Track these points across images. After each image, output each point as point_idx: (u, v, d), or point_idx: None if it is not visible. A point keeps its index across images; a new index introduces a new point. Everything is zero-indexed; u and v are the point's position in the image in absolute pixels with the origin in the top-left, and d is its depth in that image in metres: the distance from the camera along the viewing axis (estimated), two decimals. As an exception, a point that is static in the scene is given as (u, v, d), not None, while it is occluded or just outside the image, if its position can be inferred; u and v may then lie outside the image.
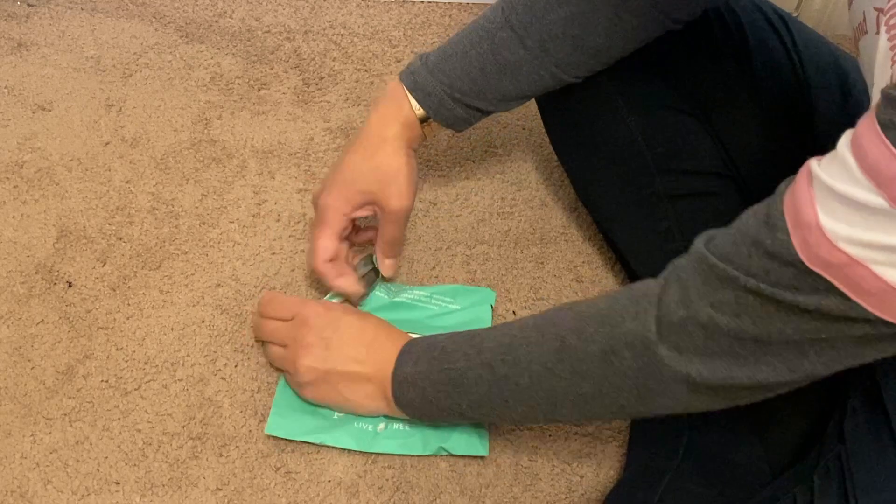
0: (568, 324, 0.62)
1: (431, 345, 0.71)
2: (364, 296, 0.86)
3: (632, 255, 0.87)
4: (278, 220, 0.97)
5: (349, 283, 0.84)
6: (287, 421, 0.79)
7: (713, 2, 0.78)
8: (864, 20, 0.52)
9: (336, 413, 0.79)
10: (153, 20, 1.22)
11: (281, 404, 0.80)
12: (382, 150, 0.80)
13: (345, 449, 0.78)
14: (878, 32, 0.50)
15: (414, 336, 0.76)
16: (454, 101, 0.80)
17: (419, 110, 0.80)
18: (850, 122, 0.78)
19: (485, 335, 0.68)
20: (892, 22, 0.49)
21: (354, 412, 0.77)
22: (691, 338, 0.55)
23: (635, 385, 0.59)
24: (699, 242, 0.56)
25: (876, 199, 0.44)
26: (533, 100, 0.88)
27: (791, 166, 0.81)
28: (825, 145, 0.78)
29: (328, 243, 0.83)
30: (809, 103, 0.79)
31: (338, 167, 0.82)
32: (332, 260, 0.83)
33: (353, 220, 0.85)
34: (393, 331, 0.77)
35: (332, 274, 0.83)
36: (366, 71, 1.16)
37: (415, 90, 0.80)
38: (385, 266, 0.87)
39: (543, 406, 0.64)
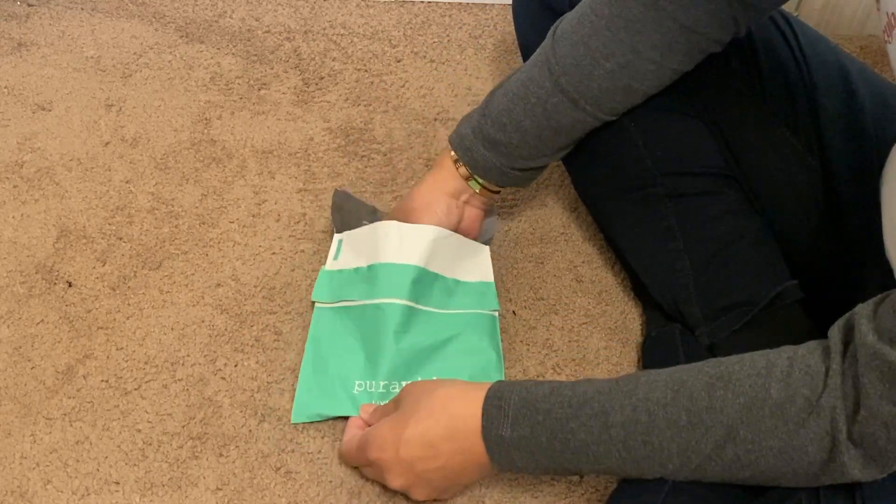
0: (732, 411, 0.56)
1: (528, 404, 0.63)
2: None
3: (632, 255, 0.87)
4: (278, 220, 0.97)
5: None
6: (311, 405, 0.80)
7: (748, 24, 0.77)
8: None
9: (355, 388, 0.80)
10: (153, 20, 1.22)
11: (305, 389, 0.81)
12: (420, 186, 0.86)
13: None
14: None
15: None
16: (513, 170, 0.83)
17: (465, 174, 0.84)
18: (854, 124, 0.78)
19: (602, 399, 0.61)
20: None
21: (463, 487, 0.75)
22: (874, 439, 0.52)
23: (806, 475, 0.56)
24: (867, 330, 0.52)
25: None
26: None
27: (794, 167, 0.81)
28: (828, 146, 0.78)
29: None
30: (814, 103, 0.79)
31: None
32: None
33: None
34: (450, 391, 0.68)
35: None
36: (366, 71, 1.16)
37: (475, 167, 0.83)
38: None
39: (689, 477, 0.60)
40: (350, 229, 0.89)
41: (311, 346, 0.84)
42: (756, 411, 0.56)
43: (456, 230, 0.87)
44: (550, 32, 0.78)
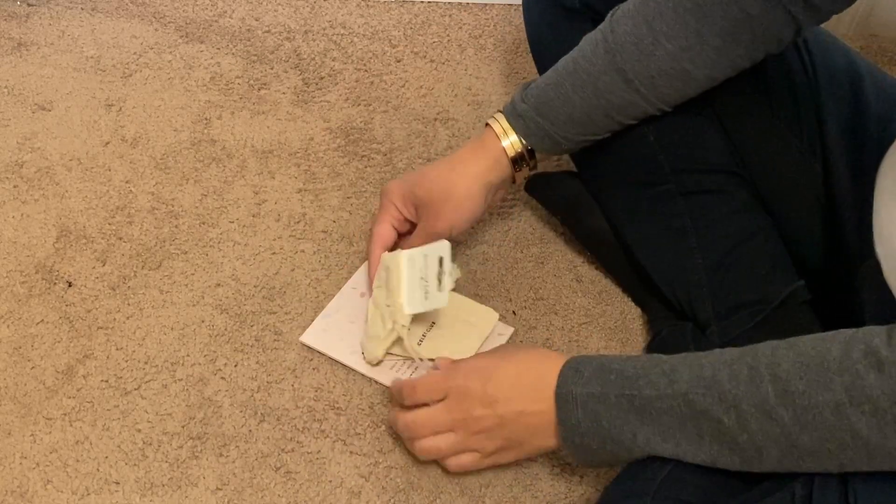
0: (790, 365, 0.57)
1: (603, 366, 0.66)
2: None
3: (643, 252, 0.86)
4: (278, 220, 0.97)
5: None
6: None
7: (809, 29, 0.77)
8: None
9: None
10: (153, 20, 1.22)
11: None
12: (461, 171, 0.81)
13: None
14: None
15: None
16: (561, 137, 0.81)
17: (517, 147, 0.81)
18: (857, 125, 0.78)
19: (673, 362, 0.63)
20: None
21: (527, 456, 0.75)
22: None
23: (866, 444, 0.55)
24: None
25: None
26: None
27: (796, 168, 0.81)
28: (830, 148, 0.79)
29: (383, 230, 0.84)
30: (818, 105, 0.79)
31: (417, 168, 0.84)
32: (390, 249, 0.84)
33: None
34: (544, 352, 0.72)
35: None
36: (366, 71, 1.16)
37: (528, 136, 0.81)
38: None
39: (745, 451, 0.60)
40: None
41: None
42: (814, 366, 0.56)
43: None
44: (609, 15, 0.77)
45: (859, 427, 0.54)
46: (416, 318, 0.82)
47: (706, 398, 0.60)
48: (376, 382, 0.83)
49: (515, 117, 0.81)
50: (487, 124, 0.83)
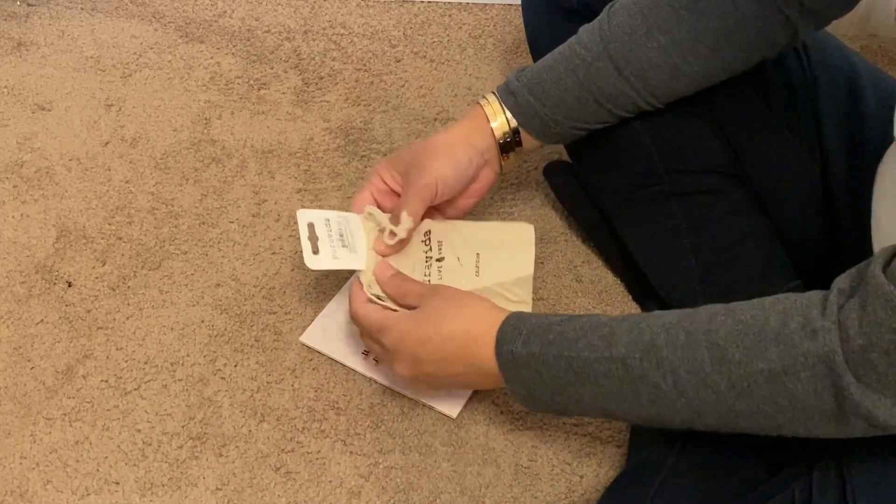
0: (728, 333, 0.58)
1: (543, 325, 0.66)
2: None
3: (639, 253, 0.87)
4: (278, 220, 0.97)
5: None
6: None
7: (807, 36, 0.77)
8: None
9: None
10: (153, 20, 1.22)
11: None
12: (444, 133, 0.81)
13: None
14: None
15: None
16: (550, 119, 0.80)
17: (504, 128, 0.81)
18: (855, 126, 0.78)
19: (613, 325, 0.63)
20: None
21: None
22: (874, 367, 0.52)
23: (804, 409, 0.55)
24: (877, 268, 0.52)
25: None
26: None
27: (794, 168, 0.81)
28: (828, 148, 0.78)
29: (360, 197, 0.82)
30: (816, 104, 0.79)
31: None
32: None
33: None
34: (481, 309, 0.71)
35: None
36: (365, 71, 1.16)
37: (518, 113, 0.80)
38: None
39: (684, 413, 0.60)
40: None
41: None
42: (751, 335, 0.56)
43: (466, 189, 0.83)
44: (607, 6, 0.78)
45: (796, 393, 0.55)
46: (462, 250, 0.83)
47: (643, 363, 0.60)
48: (376, 382, 0.83)
49: (507, 94, 0.81)
50: (478, 103, 0.82)
